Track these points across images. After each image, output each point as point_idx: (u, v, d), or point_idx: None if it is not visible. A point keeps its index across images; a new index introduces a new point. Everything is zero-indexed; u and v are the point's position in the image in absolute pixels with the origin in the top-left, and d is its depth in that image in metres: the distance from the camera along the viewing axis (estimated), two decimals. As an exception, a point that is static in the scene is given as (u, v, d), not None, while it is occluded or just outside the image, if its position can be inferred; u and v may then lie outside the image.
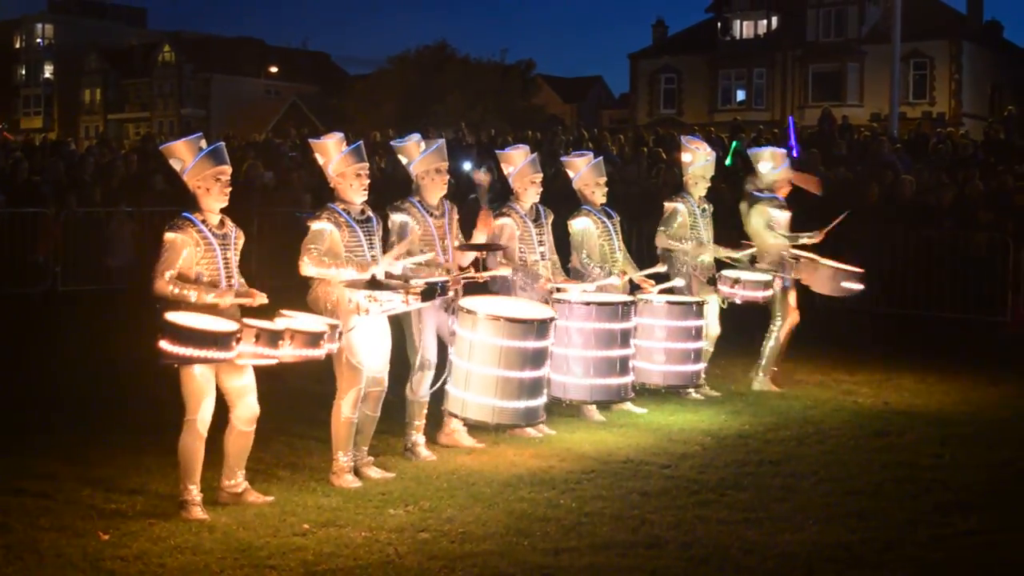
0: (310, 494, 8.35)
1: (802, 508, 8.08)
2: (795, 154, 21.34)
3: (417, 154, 9.53)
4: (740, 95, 59.71)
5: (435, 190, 9.38)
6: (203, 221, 7.85)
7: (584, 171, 11.39)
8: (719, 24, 61.67)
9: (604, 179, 11.41)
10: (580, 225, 11.08)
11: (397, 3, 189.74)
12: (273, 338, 7.47)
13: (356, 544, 7.17)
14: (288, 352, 7.55)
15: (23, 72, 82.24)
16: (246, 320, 7.54)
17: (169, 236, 7.83)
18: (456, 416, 9.72)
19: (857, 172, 18.45)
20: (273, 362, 7.63)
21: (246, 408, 7.78)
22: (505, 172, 10.83)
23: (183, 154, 8.33)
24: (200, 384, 7.52)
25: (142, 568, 6.71)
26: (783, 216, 11.75)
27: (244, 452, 7.94)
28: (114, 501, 7.99)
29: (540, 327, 9.21)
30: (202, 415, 7.56)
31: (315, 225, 8.59)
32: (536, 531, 7.56)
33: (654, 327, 11.00)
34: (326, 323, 7.89)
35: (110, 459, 9.11)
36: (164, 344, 7.09)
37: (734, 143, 22.56)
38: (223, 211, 8.09)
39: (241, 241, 8.19)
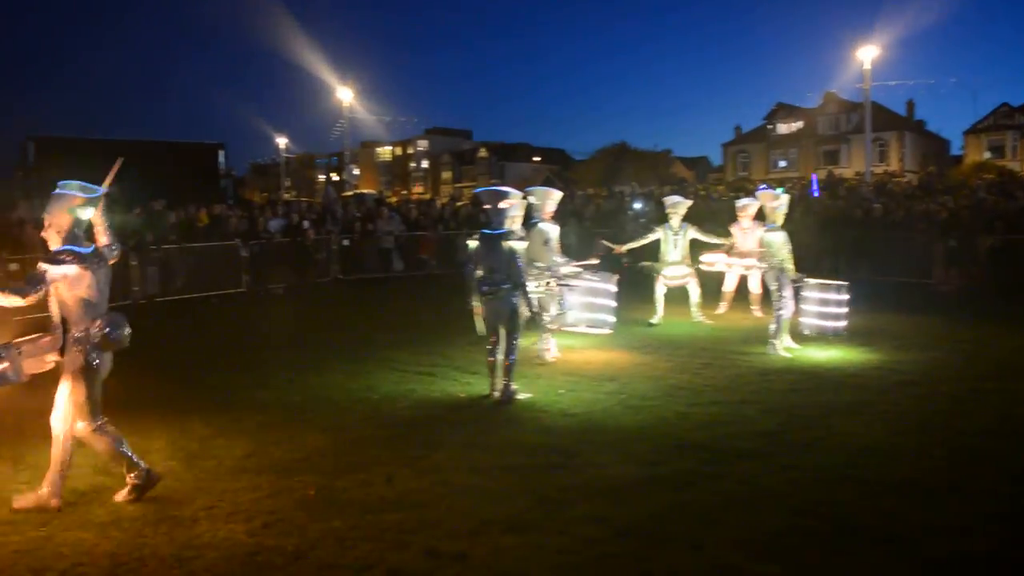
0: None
1: (829, 431, 7.95)
2: (816, 194, 22.81)
3: None
4: (782, 163, 63.51)
5: None
6: None
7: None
8: (770, 126, 65.73)
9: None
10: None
11: (599, 112, 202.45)
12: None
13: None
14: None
15: (413, 164, 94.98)
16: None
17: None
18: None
19: (848, 203, 19.88)
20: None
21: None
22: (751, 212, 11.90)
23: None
24: None
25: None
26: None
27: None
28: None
29: None
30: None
31: None
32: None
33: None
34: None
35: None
36: None
37: (814, 176, 24.88)
38: None
39: None
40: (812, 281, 10.95)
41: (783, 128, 65.62)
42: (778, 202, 10.50)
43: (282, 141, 71.16)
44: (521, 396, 8.05)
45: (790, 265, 10.37)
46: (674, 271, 12.49)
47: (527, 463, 6.11)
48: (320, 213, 21.30)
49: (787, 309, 10.29)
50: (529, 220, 9.64)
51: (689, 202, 13.09)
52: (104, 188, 5.73)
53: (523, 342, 8.47)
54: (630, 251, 12.86)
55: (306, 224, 18.57)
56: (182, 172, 23.26)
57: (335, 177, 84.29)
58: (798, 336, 10.79)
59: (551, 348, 10.03)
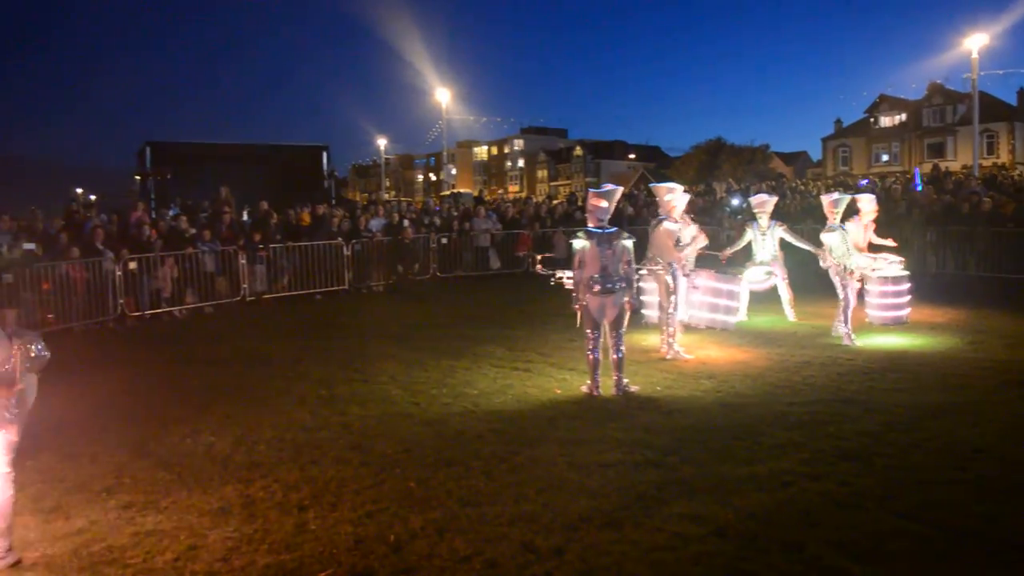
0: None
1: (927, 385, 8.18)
2: (919, 188, 22.02)
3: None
4: (884, 157, 62.15)
5: None
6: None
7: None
8: (872, 119, 64.19)
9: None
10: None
11: (695, 107, 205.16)
12: None
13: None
14: None
15: (508, 163, 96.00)
16: None
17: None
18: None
19: (955, 197, 19.08)
20: None
21: None
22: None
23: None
24: None
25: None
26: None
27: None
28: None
29: None
30: None
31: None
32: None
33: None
34: None
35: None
36: None
37: (916, 170, 24.13)
38: None
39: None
40: (874, 275, 11.32)
41: (885, 121, 63.92)
42: (834, 200, 10.91)
43: (382, 142, 72.50)
44: (632, 389, 8.15)
45: (850, 263, 10.66)
46: (755, 274, 12.25)
47: (624, 460, 6.08)
48: (419, 213, 21.65)
49: (850, 305, 10.62)
50: (656, 217, 10.22)
51: (775, 199, 12.88)
52: None
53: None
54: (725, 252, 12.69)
55: (405, 223, 18.88)
56: (288, 174, 23.90)
57: (433, 177, 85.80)
58: (864, 327, 11.24)
59: (674, 341, 10.08)
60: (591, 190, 8.54)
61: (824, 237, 10.74)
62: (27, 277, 12.75)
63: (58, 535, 5.06)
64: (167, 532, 5.05)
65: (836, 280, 10.76)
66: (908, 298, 11.62)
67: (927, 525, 4.85)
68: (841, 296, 10.68)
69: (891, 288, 11.48)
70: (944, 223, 17.21)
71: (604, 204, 8.14)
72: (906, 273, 11.63)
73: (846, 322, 10.60)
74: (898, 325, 11.46)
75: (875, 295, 11.44)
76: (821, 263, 11.56)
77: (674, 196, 10.11)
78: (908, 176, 28.91)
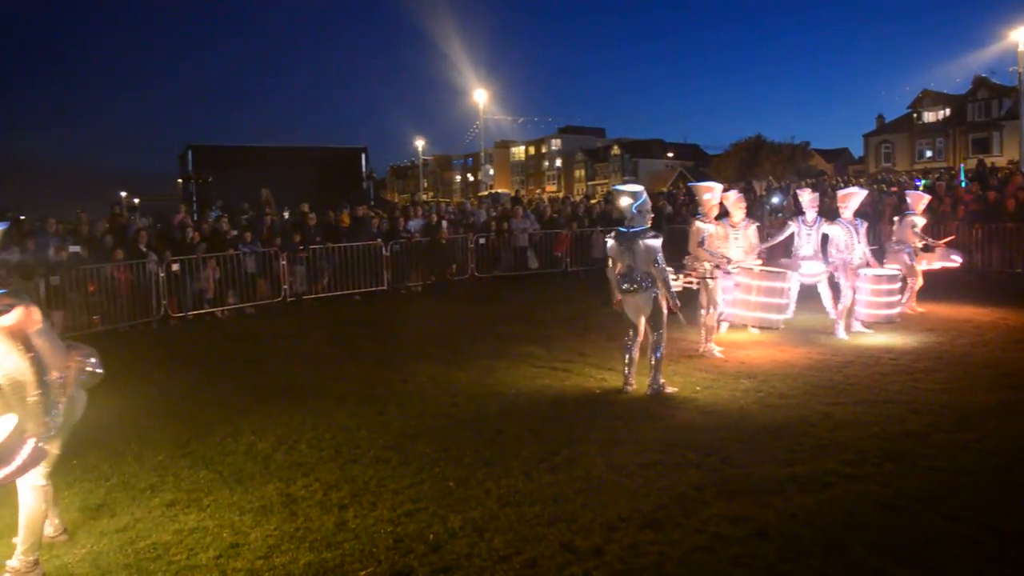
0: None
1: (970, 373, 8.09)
2: (964, 185, 21.61)
3: None
4: (928, 153, 60.74)
5: None
6: None
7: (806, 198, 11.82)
8: (915, 114, 62.75)
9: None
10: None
11: (734, 105, 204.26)
12: None
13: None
14: None
15: (546, 163, 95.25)
16: None
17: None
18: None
19: (1001, 194, 18.69)
20: None
21: None
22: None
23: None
24: None
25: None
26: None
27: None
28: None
29: None
30: None
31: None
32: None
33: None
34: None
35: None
36: None
37: (962, 166, 23.67)
38: None
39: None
40: (867, 272, 11.27)
41: (929, 116, 62.81)
42: (846, 194, 11.25)
43: (420, 143, 72.87)
44: (669, 390, 8.08)
45: (850, 256, 10.89)
46: (809, 268, 12.06)
47: (663, 460, 6.06)
48: (458, 214, 21.70)
49: (847, 298, 10.95)
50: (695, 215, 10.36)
51: (817, 194, 12.69)
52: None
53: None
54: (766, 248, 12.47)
55: (444, 224, 18.93)
56: (327, 175, 24.08)
57: (471, 177, 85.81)
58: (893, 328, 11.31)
59: (711, 342, 10.05)
60: (614, 187, 8.59)
61: (829, 229, 11.00)
62: (73, 279, 12.98)
63: (103, 532, 5.15)
64: (210, 530, 5.12)
65: (840, 276, 10.97)
66: (898, 298, 11.61)
67: (975, 527, 4.76)
68: (843, 294, 10.97)
69: (871, 286, 11.35)
70: (989, 220, 16.87)
71: (620, 203, 8.21)
72: (897, 273, 11.61)
73: (839, 316, 10.94)
74: (888, 324, 11.37)
75: (865, 292, 11.34)
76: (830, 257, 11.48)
77: (712, 196, 10.05)
78: (953, 172, 28.48)
